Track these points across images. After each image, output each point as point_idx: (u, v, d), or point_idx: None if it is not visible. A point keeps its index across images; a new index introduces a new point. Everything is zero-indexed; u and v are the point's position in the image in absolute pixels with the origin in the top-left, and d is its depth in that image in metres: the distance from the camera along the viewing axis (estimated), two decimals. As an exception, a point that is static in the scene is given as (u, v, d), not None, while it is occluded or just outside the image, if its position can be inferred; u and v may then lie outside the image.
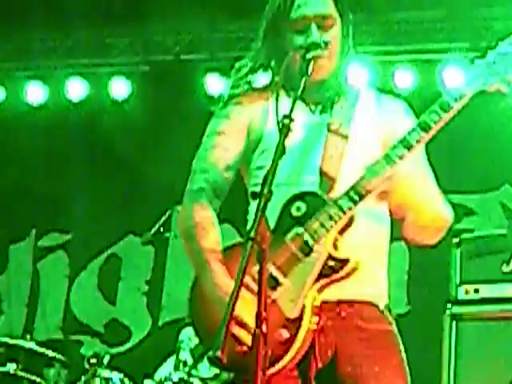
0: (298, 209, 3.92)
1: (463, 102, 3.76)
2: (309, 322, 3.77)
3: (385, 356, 3.96)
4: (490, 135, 8.77)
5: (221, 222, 7.96)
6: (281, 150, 3.55)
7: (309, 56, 3.97)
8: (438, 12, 9.38)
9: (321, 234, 3.83)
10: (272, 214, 3.81)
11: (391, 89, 9.21)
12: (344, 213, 3.83)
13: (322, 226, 3.85)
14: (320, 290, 3.87)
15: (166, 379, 7.32)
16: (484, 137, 8.86)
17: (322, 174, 4.07)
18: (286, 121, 3.62)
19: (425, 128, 3.83)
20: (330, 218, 3.84)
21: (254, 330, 3.22)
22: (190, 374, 7.38)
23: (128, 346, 9.75)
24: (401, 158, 3.84)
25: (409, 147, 3.84)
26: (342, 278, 3.89)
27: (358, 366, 3.87)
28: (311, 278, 3.83)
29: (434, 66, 9.80)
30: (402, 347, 4.03)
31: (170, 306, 9.68)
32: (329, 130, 4.11)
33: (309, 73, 3.93)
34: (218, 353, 3.15)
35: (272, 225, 3.86)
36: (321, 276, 3.85)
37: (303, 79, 3.92)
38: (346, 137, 4.10)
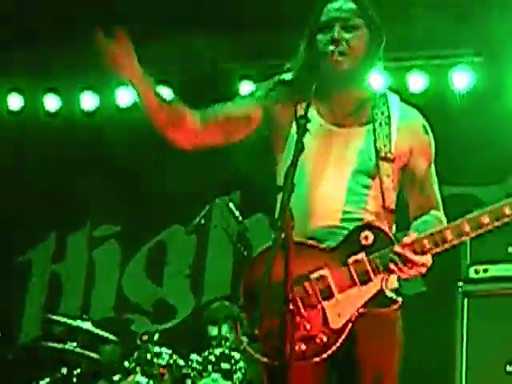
0: (366, 238, 3.87)
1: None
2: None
3: (388, 335, 4.03)
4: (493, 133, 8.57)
5: (255, 211, 7.93)
6: (299, 148, 3.58)
7: (325, 38, 4.04)
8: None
9: (381, 270, 3.82)
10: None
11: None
12: (406, 261, 3.81)
13: (384, 263, 3.83)
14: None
15: (209, 354, 7.21)
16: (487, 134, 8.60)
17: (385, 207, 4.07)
18: (302, 121, 3.66)
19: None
20: (392, 259, 3.81)
21: (282, 309, 3.33)
22: (231, 349, 7.27)
23: (174, 322, 9.79)
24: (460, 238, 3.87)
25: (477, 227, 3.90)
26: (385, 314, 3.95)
27: (367, 344, 3.92)
28: (360, 303, 3.84)
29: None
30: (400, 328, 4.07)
31: (210, 287, 9.67)
32: (378, 157, 4.04)
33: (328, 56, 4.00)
34: (256, 330, 3.52)
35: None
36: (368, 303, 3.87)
37: (323, 63, 4.02)
38: (392, 160, 4.06)
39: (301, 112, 3.74)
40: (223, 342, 7.35)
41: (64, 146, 10.19)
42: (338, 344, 3.78)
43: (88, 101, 10.17)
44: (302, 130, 3.62)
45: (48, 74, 10.23)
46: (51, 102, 10.23)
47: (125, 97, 10.01)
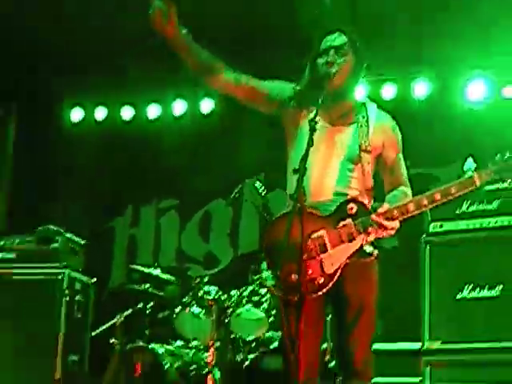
0: (352, 208, 3.98)
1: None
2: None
3: (368, 278, 4.15)
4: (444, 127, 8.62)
5: (275, 187, 7.91)
6: (310, 144, 3.69)
7: (322, 61, 4.11)
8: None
9: (362, 232, 3.94)
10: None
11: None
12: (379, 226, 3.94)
13: (364, 227, 3.93)
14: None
15: (244, 290, 7.24)
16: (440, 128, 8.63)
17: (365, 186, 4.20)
18: (312, 123, 3.75)
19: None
20: (370, 224, 3.92)
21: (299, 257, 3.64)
22: (260, 285, 7.24)
23: (218, 268, 9.88)
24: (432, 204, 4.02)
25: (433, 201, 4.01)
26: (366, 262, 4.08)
27: (352, 284, 4.05)
28: (347, 255, 3.97)
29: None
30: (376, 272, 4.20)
31: (243, 244, 9.77)
32: (360, 149, 4.15)
33: (328, 76, 4.04)
34: (279, 272, 3.78)
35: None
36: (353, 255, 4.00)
37: (323, 81, 4.03)
38: (370, 151, 4.18)
39: (310, 116, 3.82)
40: (254, 282, 7.31)
41: (135, 144, 10.30)
42: (330, 284, 3.90)
43: (152, 111, 10.28)
44: (312, 130, 3.72)
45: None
46: (127, 113, 10.35)
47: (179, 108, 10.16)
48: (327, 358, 6.67)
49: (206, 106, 9.97)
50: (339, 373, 4.37)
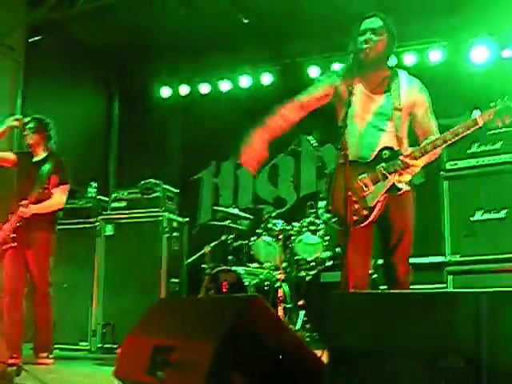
0: (385, 154, 4.09)
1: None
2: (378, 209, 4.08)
3: (407, 207, 4.23)
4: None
5: (327, 142, 7.95)
6: (348, 104, 3.92)
7: (361, 39, 4.17)
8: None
9: (392, 171, 4.04)
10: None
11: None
12: (406, 165, 4.02)
13: (394, 167, 4.04)
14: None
15: (303, 221, 7.44)
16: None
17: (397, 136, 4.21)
18: (349, 90, 3.97)
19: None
20: (399, 165, 4.02)
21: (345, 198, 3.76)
22: (316, 217, 7.44)
23: (285, 208, 9.94)
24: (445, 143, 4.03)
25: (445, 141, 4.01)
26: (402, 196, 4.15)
27: (394, 211, 4.15)
28: (384, 190, 4.07)
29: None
30: (413, 203, 4.24)
31: (304, 187, 9.81)
32: (393, 108, 4.20)
33: (363, 50, 4.14)
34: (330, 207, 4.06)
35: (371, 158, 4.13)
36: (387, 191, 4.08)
37: (359, 55, 4.14)
38: (400, 109, 4.19)
39: (350, 86, 3.98)
40: (310, 215, 7.49)
41: (213, 112, 10.37)
42: (373, 215, 4.04)
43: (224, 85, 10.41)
44: (349, 95, 3.93)
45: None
46: (204, 88, 10.55)
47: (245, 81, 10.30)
48: (371, 271, 6.87)
49: (266, 78, 10.05)
50: (385, 283, 4.41)
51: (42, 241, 6.01)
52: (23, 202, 5.73)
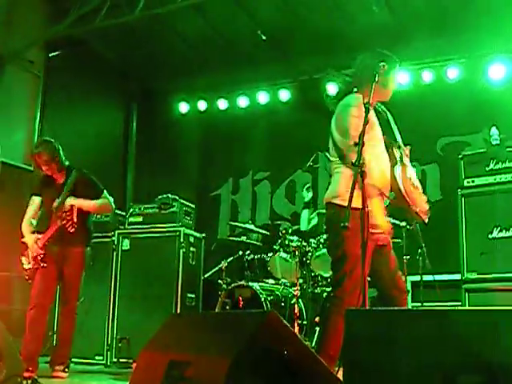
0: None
1: None
2: None
3: None
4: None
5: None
6: (365, 122, 3.82)
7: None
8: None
9: None
10: None
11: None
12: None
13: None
14: None
15: (320, 238, 7.29)
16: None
17: None
18: (367, 105, 3.89)
19: None
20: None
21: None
22: None
23: None
24: None
25: None
26: None
27: None
28: None
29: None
30: None
31: (321, 203, 9.57)
32: None
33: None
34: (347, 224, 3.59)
35: None
36: None
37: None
38: None
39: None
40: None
41: (231, 128, 10.53)
42: None
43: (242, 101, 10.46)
44: (367, 111, 3.83)
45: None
46: (222, 104, 10.63)
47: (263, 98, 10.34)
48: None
49: (284, 95, 10.11)
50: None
51: (78, 255, 6.03)
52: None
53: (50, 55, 8.85)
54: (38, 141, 6.15)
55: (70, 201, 5.87)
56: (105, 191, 6.18)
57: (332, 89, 9.51)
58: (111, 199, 6.23)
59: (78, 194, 5.94)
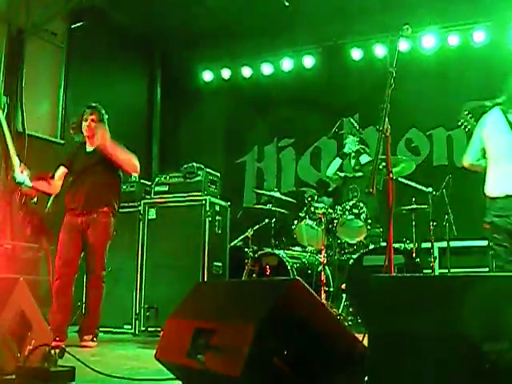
0: None
1: None
2: None
3: None
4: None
5: (368, 124, 7.85)
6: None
7: None
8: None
9: None
10: None
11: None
12: None
13: None
14: None
15: (346, 205, 7.33)
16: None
17: None
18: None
19: None
20: None
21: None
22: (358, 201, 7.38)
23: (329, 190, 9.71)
24: None
25: None
26: None
27: None
28: None
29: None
30: None
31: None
32: None
33: None
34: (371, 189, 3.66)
35: None
36: None
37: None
38: None
39: None
40: (353, 198, 7.46)
41: (255, 95, 10.52)
42: None
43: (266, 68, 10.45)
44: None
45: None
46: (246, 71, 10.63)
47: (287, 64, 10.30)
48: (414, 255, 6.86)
49: (308, 61, 10.11)
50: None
51: (104, 224, 6.04)
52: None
53: (72, 26, 8.85)
54: (88, 105, 6.25)
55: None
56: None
57: (357, 54, 9.46)
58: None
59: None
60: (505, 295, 2.24)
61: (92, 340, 5.94)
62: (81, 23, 8.78)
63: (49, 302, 5.75)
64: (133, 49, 10.18)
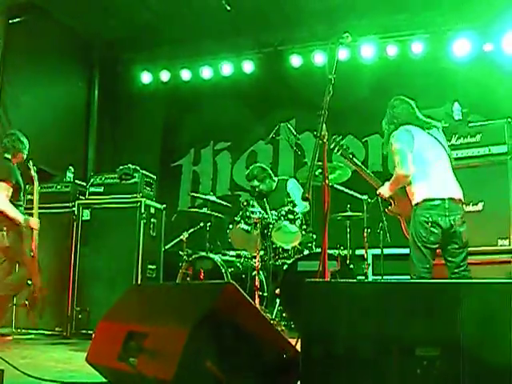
0: None
1: None
2: None
3: None
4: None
5: (304, 130, 7.83)
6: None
7: None
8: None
9: None
10: None
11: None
12: None
13: None
14: None
15: (281, 210, 7.18)
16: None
17: None
18: None
19: None
20: None
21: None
22: (293, 205, 7.26)
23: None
24: None
25: None
26: None
27: None
28: None
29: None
30: None
31: (281, 172, 9.41)
32: None
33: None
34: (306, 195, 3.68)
35: None
36: None
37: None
38: None
39: None
40: (288, 204, 7.25)
41: (193, 99, 10.43)
42: None
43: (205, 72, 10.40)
44: None
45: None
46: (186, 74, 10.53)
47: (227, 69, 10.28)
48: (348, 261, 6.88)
49: (248, 66, 10.06)
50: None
51: None
52: None
53: (10, 22, 8.64)
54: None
55: None
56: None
57: (296, 61, 9.50)
58: None
59: None
60: (437, 301, 2.27)
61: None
62: (19, 19, 8.59)
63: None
64: (72, 47, 10.00)
